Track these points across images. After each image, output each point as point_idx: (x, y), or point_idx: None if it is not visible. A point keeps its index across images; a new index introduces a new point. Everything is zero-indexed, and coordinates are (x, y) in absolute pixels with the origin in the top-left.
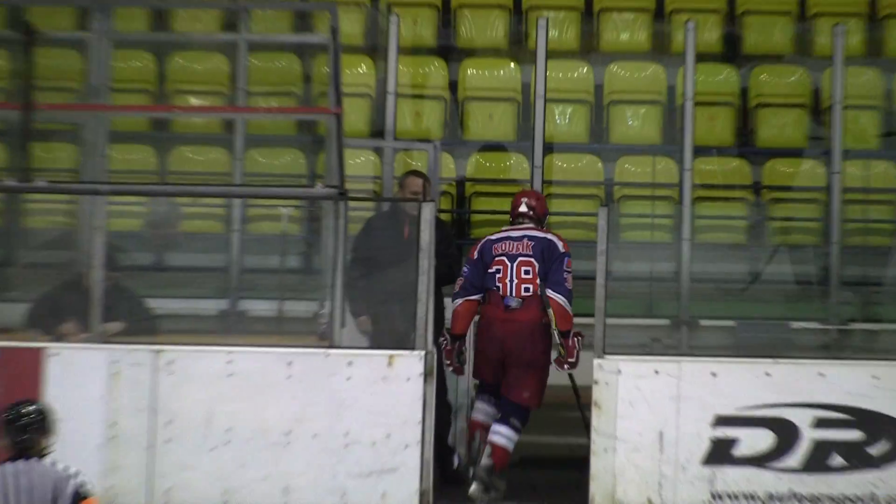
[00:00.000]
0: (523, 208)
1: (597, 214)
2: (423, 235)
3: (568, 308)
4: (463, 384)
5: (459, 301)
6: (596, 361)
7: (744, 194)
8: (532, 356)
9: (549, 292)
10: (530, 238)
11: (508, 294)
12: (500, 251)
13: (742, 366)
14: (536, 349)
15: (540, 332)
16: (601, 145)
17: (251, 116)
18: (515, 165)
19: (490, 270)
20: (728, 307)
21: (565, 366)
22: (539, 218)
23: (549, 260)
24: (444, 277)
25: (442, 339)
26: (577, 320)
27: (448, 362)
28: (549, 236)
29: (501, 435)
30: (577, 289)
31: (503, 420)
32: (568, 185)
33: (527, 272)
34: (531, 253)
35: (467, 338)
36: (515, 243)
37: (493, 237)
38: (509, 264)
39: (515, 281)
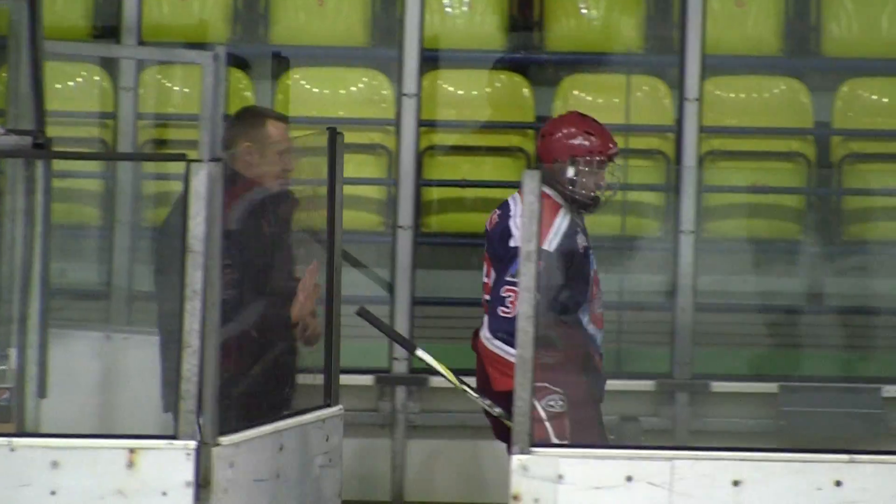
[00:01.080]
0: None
1: (519, 185)
2: (192, 225)
3: (503, 352)
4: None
5: None
6: (516, 460)
7: (800, 146)
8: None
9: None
10: (501, 212)
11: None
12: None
13: (791, 467)
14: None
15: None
16: (531, 55)
17: None
18: (368, 91)
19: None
20: (764, 359)
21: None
22: (547, 170)
23: (497, 257)
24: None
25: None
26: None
27: None
28: (513, 211)
29: None
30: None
31: None
32: (467, 128)
33: (487, 274)
34: (486, 242)
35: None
36: (492, 218)
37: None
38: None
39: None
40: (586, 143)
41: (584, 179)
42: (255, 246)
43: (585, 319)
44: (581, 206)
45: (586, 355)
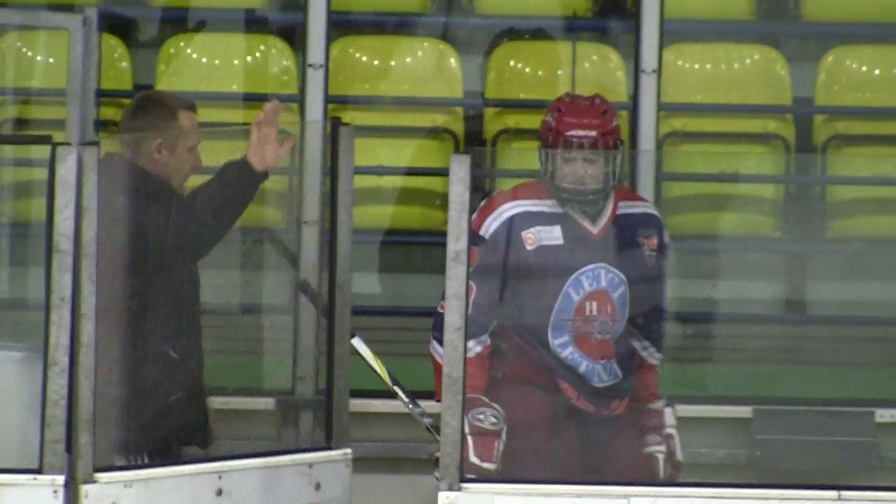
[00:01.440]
0: None
1: (447, 172)
2: (59, 220)
3: (438, 355)
4: None
5: None
6: (444, 497)
7: (777, 126)
8: None
9: None
10: None
11: None
12: None
13: None
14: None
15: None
16: (456, 19)
17: None
18: (267, 62)
19: None
20: (736, 378)
21: None
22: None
23: None
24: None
25: None
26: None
27: None
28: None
29: None
30: (410, 335)
31: None
32: (383, 105)
33: None
34: None
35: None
36: None
37: None
38: None
39: None
40: (550, 120)
41: (559, 166)
42: (158, 250)
43: (560, 340)
44: (561, 200)
45: (547, 378)
